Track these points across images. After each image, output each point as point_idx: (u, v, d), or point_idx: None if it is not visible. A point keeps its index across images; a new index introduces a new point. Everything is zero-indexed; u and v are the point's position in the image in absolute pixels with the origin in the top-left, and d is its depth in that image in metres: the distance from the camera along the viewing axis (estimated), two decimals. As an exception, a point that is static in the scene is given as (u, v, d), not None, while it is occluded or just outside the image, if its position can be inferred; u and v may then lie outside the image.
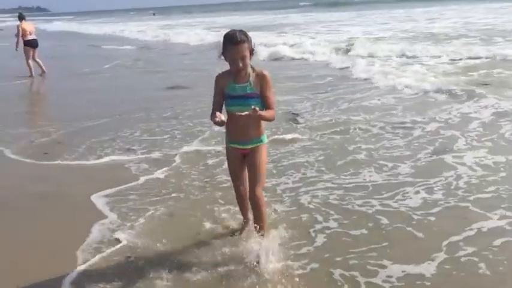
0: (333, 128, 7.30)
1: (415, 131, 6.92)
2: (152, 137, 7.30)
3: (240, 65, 3.42)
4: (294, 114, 8.20)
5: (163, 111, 9.01)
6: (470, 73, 11.46)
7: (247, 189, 3.76)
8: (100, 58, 19.42)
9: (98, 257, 3.86)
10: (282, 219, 4.35)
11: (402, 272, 3.48)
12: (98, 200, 4.97)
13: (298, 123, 7.69)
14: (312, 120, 7.84)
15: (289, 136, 6.86)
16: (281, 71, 13.37)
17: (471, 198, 4.63)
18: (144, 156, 6.39)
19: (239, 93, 3.53)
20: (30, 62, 14.65)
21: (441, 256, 3.64)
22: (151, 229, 4.30)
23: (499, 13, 29.66)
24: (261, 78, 3.54)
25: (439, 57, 13.88)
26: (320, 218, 4.36)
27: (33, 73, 14.58)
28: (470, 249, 3.72)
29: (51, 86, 13.28)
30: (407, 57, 14.39)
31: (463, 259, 3.61)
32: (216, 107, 3.59)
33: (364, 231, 4.11)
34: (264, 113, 3.47)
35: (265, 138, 3.74)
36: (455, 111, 7.90)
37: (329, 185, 5.15)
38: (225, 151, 3.92)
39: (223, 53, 3.48)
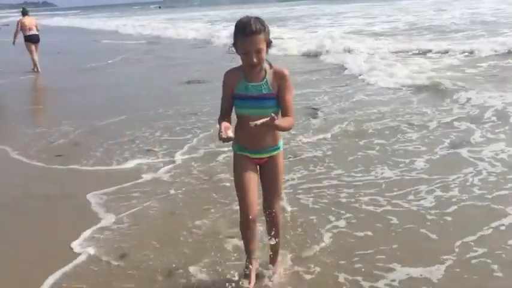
0: (345, 122, 7.19)
1: (430, 124, 6.82)
2: (173, 137, 6.98)
3: (255, 60, 2.86)
4: (314, 109, 8.01)
5: (181, 107, 8.88)
6: (478, 64, 11.43)
7: (256, 204, 3.14)
8: (108, 52, 19.43)
9: (86, 256, 3.83)
10: (289, 218, 4.25)
11: (407, 275, 3.36)
12: (95, 198, 4.93)
13: (317, 117, 7.55)
14: (331, 114, 7.73)
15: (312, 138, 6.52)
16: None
17: (489, 196, 4.50)
18: (167, 159, 6.04)
19: (252, 93, 2.98)
20: (34, 57, 14.53)
21: (453, 258, 3.51)
22: (148, 229, 4.26)
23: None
24: (279, 77, 3.00)
25: (446, 51, 13.54)
26: (328, 218, 4.25)
27: (38, 68, 14.48)
28: (483, 250, 3.59)
29: (61, 82, 12.97)
30: (407, 52, 14.07)
31: (475, 261, 3.48)
32: (225, 112, 3.05)
33: (374, 232, 3.99)
34: (282, 122, 2.87)
35: (281, 145, 3.21)
36: (467, 103, 7.80)
37: (335, 182, 5.05)
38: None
39: (234, 44, 2.95)
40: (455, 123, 6.76)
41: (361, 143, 6.22)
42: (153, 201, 4.80)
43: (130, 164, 5.93)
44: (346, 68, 11.88)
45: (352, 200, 4.58)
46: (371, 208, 4.39)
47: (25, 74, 14.44)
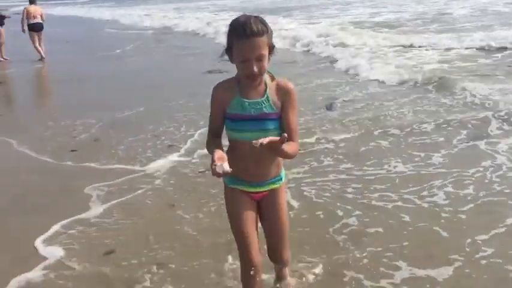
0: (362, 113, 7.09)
1: (448, 115, 6.73)
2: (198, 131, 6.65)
3: (255, 69, 2.36)
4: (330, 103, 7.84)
5: (205, 98, 8.64)
6: (494, 55, 11.28)
7: (258, 248, 2.66)
8: (118, 41, 19.33)
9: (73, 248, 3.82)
10: (296, 214, 4.16)
11: (412, 274, 3.29)
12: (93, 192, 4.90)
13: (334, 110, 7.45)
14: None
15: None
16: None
17: (508, 191, 4.40)
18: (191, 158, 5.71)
19: (251, 113, 2.47)
20: (37, 45, 14.54)
21: (462, 258, 3.43)
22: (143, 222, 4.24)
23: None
24: (284, 92, 2.51)
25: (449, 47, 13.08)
26: (337, 214, 4.18)
27: (43, 55, 14.50)
28: (495, 250, 3.50)
29: (75, 71, 12.70)
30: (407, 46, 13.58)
31: (485, 261, 3.39)
32: (216, 136, 2.58)
33: (384, 229, 3.90)
34: (287, 147, 2.34)
35: (284, 175, 2.75)
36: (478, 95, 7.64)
37: (344, 176, 4.95)
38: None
39: (228, 50, 2.45)
40: (472, 115, 6.65)
41: (376, 133, 6.14)
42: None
43: (154, 165, 5.55)
44: (336, 61, 11.64)
45: (361, 195, 4.51)
46: (381, 204, 4.31)
47: (33, 63, 14.48)
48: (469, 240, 3.62)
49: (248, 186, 2.63)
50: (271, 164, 2.57)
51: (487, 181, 4.61)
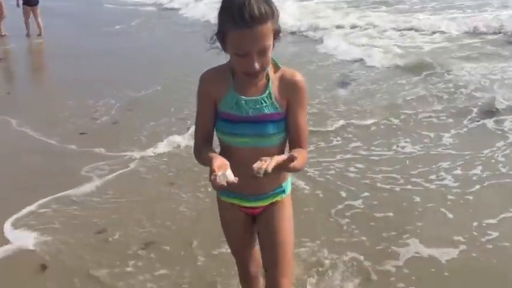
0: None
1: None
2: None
3: (257, 66, 1.84)
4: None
5: None
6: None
7: (257, 258, 2.37)
8: (119, 17, 18.70)
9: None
10: (299, 196, 4.11)
11: (416, 254, 3.31)
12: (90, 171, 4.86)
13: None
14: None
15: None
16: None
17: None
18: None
19: (248, 114, 1.98)
20: (29, 20, 14.37)
21: (467, 240, 3.43)
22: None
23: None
24: (291, 87, 2.00)
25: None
26: (341, 195, 4.17)
27: (30, 32, 14.36)
28: (503, 233, 3.50)
29: (81, 46, 12.13)
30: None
31: (492, 244, 3.39)
32: (206, 138, 2.08)
33: (390, 211, 3.88)
34: (296, 162, 1.79)
35: (289, 186, 2.24)
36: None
37: (351, 156, 4.91)
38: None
39: (219, 34, 1.89)
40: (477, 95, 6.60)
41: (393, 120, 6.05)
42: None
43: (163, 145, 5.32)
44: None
45: (368, 175, 4.48)
46: (387, 185, 4.29)
47: (32, 38, 14.28)
48: (475, 223, 3.62)
49: (244, 200, 2.16)
50: (273, 174, 1.77)
51: (493, 161, 4.61)
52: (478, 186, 4.17)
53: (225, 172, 1.77)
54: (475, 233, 3.50)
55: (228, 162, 1.82)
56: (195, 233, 3.66)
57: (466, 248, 3.34)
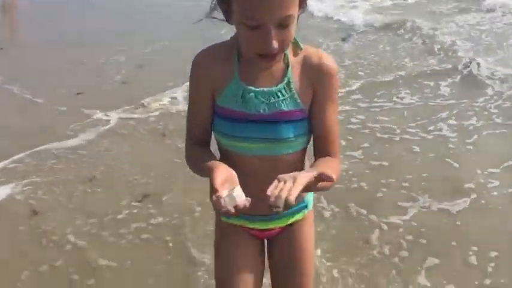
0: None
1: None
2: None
3: (275, 45, 1.31)
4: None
5: None
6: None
7: None
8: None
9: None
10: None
11: (426, 204, 3.24)
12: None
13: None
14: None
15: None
16: None
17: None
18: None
19: (259, 111, 1.47)
20: None
21: (477, 189, 3.38)
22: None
23: None
24: (318, 73, 1.48)
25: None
26: (342, 145, 4.05)
27: None
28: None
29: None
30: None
31: (497, 192, 3.35)
32: (201, 144, 1.59)
33: (392, 161, 3.80)
34: (329, 171, 1.30)
35: (312, 198, 1.75)
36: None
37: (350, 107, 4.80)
38: None
39: (221, 2, 1.39)
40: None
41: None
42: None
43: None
44: None
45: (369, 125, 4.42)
46: (387, 136, 4.22)
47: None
48: (479, 171, 3.58)
49: (253, 221, 1.65)
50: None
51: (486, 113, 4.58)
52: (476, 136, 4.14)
53: (231, 192, 1.25)
54: (481, 181, 3.46)
55: (235, 174, 1.33)
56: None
57: (476, 197, 3.29)
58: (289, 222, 1.67)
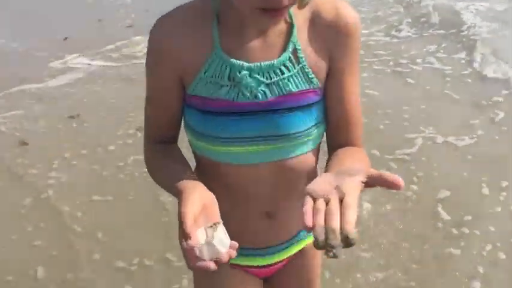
0: None
1: None
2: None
3: None
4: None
5: None
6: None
7: None
8: None
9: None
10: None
11: (433, 136, 3.18)
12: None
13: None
14: None
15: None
16: None
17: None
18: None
19: (257, 97, 0.98)
20: None
21: (480, 121, 3.37)
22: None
23: None
24: (335, 32, 0.99)
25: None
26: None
27: None
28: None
29: None
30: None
31: (505, 127, 3.31)
32: (164, 142, 1.11)
33: (395, 92, 3.79)
34: (388, 173, 0.78)
35: None
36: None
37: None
38: None
39: None
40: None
41: None
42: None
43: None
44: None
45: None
46: (382, 67, 4.19)
47: None
48: (484, 101, 3.57)
49: (249, 257, 1.19)
50: (297, 207, 0.83)
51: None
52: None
53: (211, 239, 0.84)
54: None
55: (215, 200, 0.90)
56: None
57: (483, 133, 3.23)
58: (296, 251, 1.22)
